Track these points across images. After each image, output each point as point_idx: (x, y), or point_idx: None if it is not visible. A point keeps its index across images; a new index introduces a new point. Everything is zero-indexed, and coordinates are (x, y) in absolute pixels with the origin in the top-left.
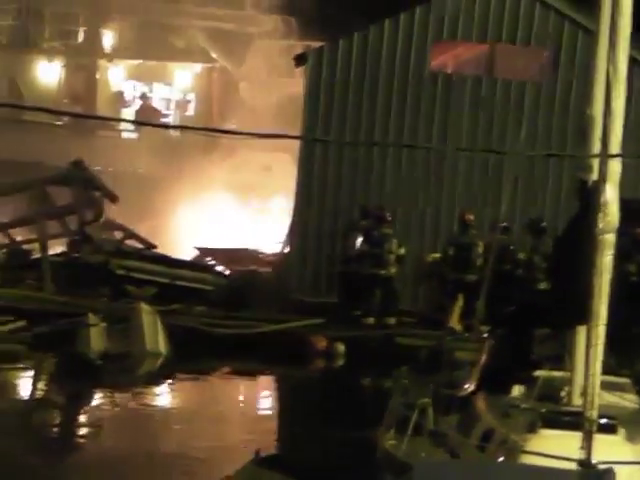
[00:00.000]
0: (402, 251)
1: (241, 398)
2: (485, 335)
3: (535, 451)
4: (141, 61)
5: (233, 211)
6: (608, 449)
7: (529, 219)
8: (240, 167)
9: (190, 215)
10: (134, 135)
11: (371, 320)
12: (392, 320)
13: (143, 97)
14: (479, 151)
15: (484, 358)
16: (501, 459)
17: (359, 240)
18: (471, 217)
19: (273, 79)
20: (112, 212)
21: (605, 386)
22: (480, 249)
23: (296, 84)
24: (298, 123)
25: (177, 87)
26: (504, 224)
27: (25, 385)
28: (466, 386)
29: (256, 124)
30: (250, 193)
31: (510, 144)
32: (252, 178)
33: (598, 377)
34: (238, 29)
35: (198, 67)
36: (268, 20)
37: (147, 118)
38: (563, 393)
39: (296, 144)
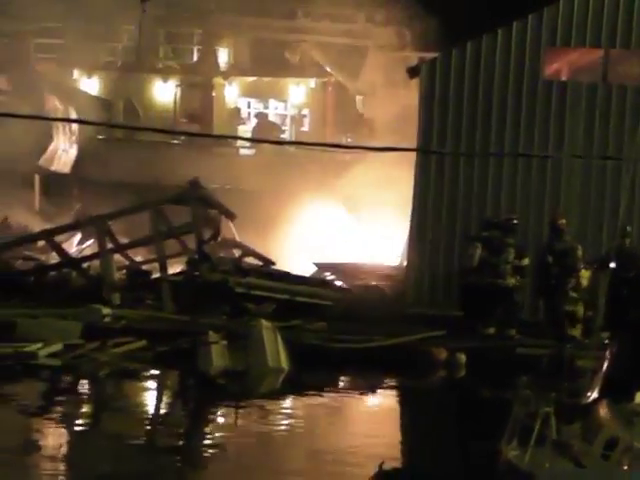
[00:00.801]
0: (525, 262)
1: (363, 411)
2: (606, 342)
3: None
4: (256, 78)
5: (350, 225)
6: None
7: None
8: (357, 181)
9: (308, 230)
10: (251, 151)
11: (491, 331)
12: (513, 331)
13: (259, 113)
14: (595, 158)
15: (606, 365)
16: (625, 467)
17: (478, 250)
18: (564, 221)
19: (389, 91)
20: (230, 229)
21: None
22: (580, 252)
23: (412, 96)
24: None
25: (292, 103)
26: (626, 229)
27: (148, 405)
28: (588, 394)
29: (373, 137)
30: (367, 207)
31: (627, 150)
32: (370, 192)
33: None
34: (352, 43)
35: (312, 82)
36: (382, 33)
37: (265, 134)
38: None
39: (413, 156)
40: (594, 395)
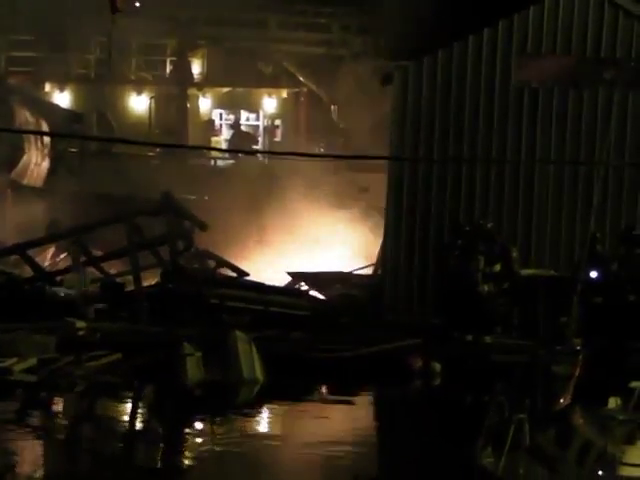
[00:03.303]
0: (497, 268)
1: (338, 421)
2: (579, 348)
3: (634, 462)
4: (229, 89)
5: (326, 234)
6: None
7: (621, 229)
8: (331, 190)
9: (283, 240)
10: (227, 163)
11: (468, 338)
12: (488, 338)
13: (234, 124)
14: (567, 163)
15: (579, 371)
16: (600, 472)
17: (453, 258)
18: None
19: (364, 100)
20: (205, 240)
21: None
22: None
23: (387, 104)
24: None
25: (265, 113)
26: (596, 234)
27: (124, 417)
28: (562, 400)
29: (348, 146)
30: (342, 215)
31: (598, 156)
32: (344, 200)
33: None
34: (326, 52)
35: (285, 92)
36: (356, 42)
37: (240, 144)
38: None
39: (387, 163)
40: (568, 400)
